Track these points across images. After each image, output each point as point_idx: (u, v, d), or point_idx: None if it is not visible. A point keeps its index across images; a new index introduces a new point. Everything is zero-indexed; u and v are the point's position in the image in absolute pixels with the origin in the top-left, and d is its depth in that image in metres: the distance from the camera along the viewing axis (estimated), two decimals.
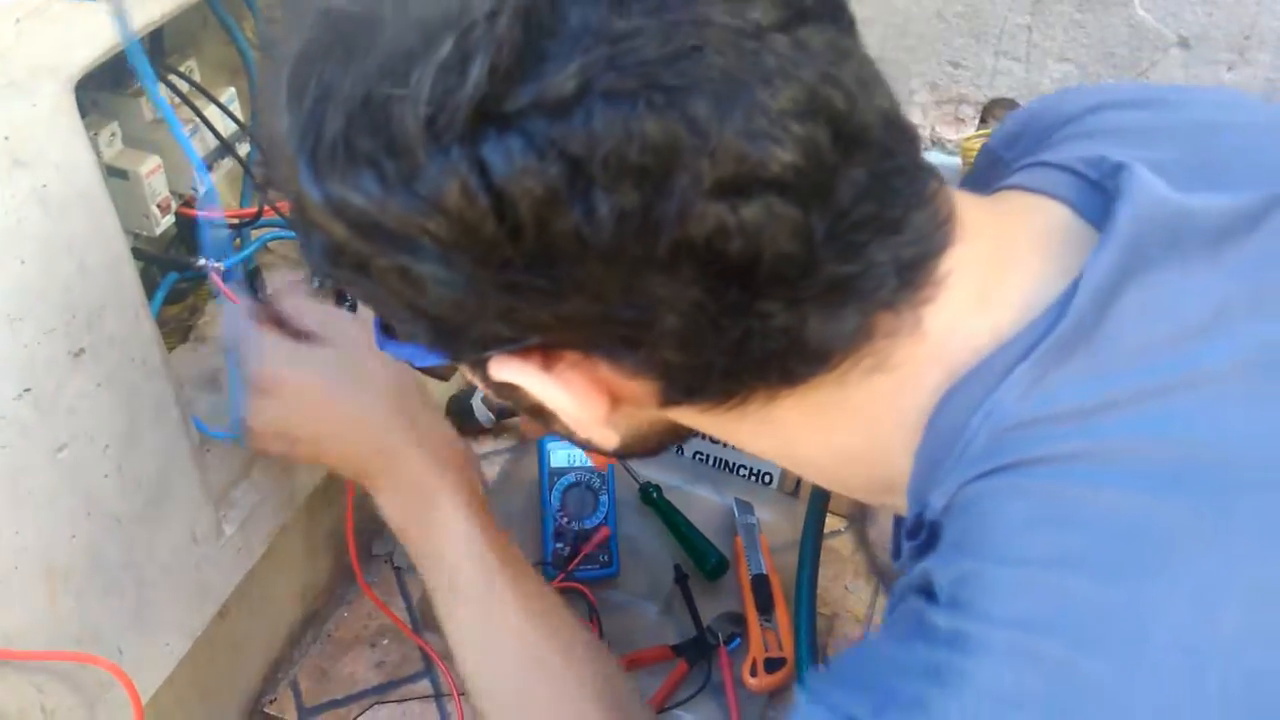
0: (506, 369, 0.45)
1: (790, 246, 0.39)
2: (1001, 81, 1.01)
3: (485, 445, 1.15)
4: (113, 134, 0.70)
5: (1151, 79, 0.97)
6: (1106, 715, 0.37)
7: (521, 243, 0.38)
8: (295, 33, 0.41)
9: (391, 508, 0.72)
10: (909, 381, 0.45)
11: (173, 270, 0.78)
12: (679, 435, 0.54)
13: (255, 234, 0.86)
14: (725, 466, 1.13)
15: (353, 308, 0.79)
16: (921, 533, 0.44)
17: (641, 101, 0.36)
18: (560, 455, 1.03)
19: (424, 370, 0.64)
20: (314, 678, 0.95)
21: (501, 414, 1.13)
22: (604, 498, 1.01)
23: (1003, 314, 0.44)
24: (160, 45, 0.74)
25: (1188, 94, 0.54)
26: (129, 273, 0.62)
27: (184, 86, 0.74)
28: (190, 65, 0.77)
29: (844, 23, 0.41)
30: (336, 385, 0.69)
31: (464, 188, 0.37)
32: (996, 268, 0.45)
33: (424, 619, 0.99)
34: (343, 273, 0.43)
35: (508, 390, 0.49)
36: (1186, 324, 0.42)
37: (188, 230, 0.81)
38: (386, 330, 0.51)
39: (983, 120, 1.04)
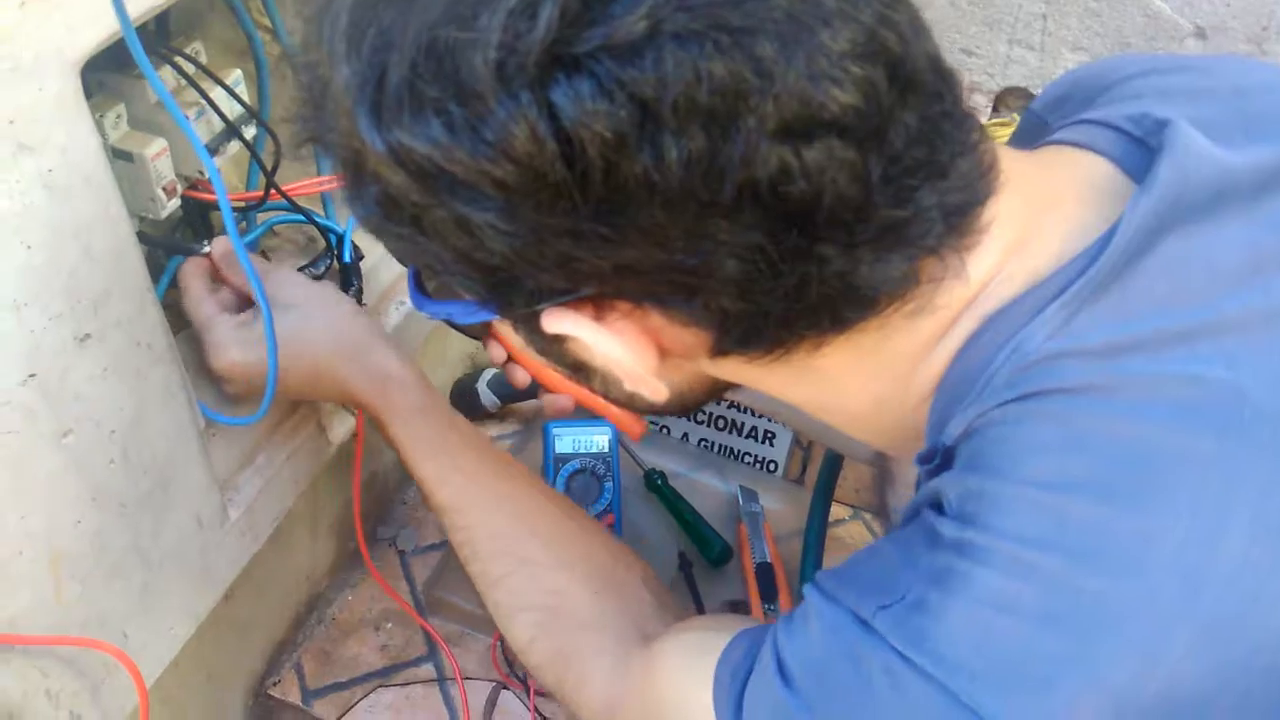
0: (560, 321, 0.45)
1: (849, 189, 0.39)
2: (1015, 70, 1.00)
3: (490, 430, 1.15)
4: (118, 116, 0.70)
5: None
6: (1097, 625, 0.39)
7: (588, 188, 0.38)
8: None
9: (385, 435, 0.77)
10: (947, 324, 0.46)
11: (178, 254, 0.77)
12: (715, 393, 0.54)
13: (261, 218, 0.85)
14: (730, 454, 1.12)
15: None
16: (936, 458, 0.46)
17: (709, 43, 0.37)
18: (565, 441, 1.03)
19: (460, 328, 0.65)
20: (318, 660, 0.95)
21: (506, 398, 1.13)
22: (608, 484, 1.01)
23: (1040, 259, 0.45)
24: (165, 27, 0.74)
25: (1223, 61, 0.55)
26: (135, 257, 0.61)
27: (190, 69, 0.73)
28: (196, 47, 0.76)
29: None
30: (283, 354, 0.70)
31: (533, 132, 0.37)
32: (1037, 215, 0.46)
33: (428, 602, 0.99)
34: (396, 227, 0.43)
35: (553, 347, 0.50)
36: (1219, 273, 0.43)
37: (193, 213, 0.80)
38: (421, 289, 0.52)
39: (995, 109, 1.03)
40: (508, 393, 1.12)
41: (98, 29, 0.54)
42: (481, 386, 1.12)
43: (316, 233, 0.87)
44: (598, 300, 0.44)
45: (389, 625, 0.98)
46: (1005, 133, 0.99)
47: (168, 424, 0.67)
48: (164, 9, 0.60)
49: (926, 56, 0.41)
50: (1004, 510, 0.41)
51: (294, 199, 0.81)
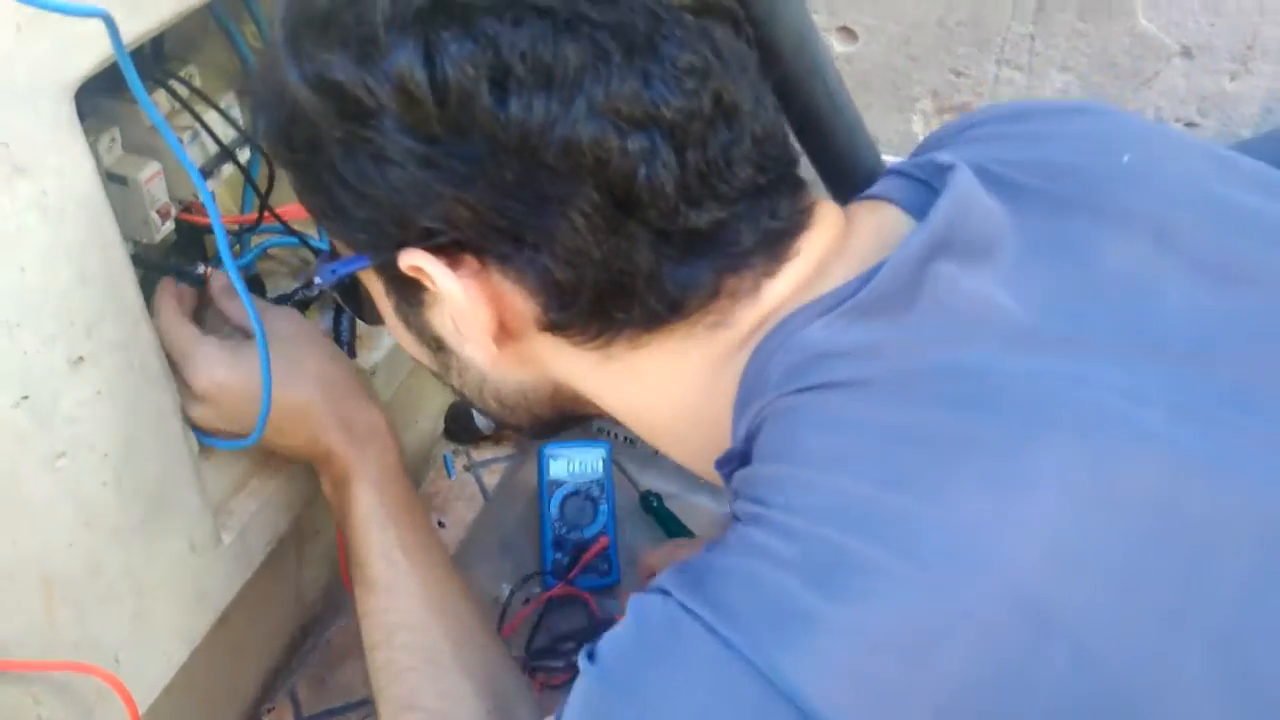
0: (414, 256, 0.50)
1: (661, 178, 0.46)
2: (1004, 90, 1.00)
3: (485, 453, 1.15)
4: (112, 139, 0.70)
5: (1154, 89, 0.97)
6: (860, 583, 0.40)
7: (446, 119, 0.45)
8: None
9: (329, 494, 0.76)
10: (742, 338, 0.51)
11: (172, 277, 0.77)
12: (559, 408, 0.58)
13: (256, 240, 0.85)
14: None
15: (303, 305, 0.83)
16: (733, 461, 0.50)
17: (568, 26, 0.44)
18: (560, 464, 1.03)
19: (359, 314, 0.66)
20: (312, 686, 0.95)
21: (500, 423, 1.13)
22: (603, 506, 1.01)
23: (822, 289, 0.50)
24: (160, 50, 0.74)
25: (1069, 116, 0.58)
26: (129, 280, 0.61)
27: (184, 92, 0.74)
28: (190, 71, 0.76)
29: (741, 31, 0.50)
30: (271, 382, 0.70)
31: (409, 59, 0.45)
32: (830, 256, 0.52)
33: None
34: (297, 154, 0.51)
35: (415, 316, 0.56)
36: (974, 301, 0.48)
37: (187, 236, 0.81)
38: (331, 254, 0.58)
39: None
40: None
41: (92, 53, 0.55)
42: (476, 409, 1.12)
43: (310, 255, 0.87)
44: (450, 251, 0.50)
45: None
46: None
47: (161, 447, 0.66)
48: (158, 33, 0.60)
49: (757, 106, 0.49)
50: (781, 487, 0.45)
51: (288, 222, 0.82)
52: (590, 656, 0.46)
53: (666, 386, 0.53)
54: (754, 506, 0.45)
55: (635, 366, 0.53)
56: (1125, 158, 0.53)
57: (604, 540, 1.00)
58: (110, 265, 0.59)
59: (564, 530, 1.01)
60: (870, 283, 0.48)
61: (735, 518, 0.47)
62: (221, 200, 0.84)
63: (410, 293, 0.55)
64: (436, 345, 0.58)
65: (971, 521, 0.41)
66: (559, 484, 1.02)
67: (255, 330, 0.66)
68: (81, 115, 0.56)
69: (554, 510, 1.01)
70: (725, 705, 0.41)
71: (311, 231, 0.89)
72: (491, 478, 1.14)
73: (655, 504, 1.05)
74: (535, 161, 0.45)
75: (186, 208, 0.75)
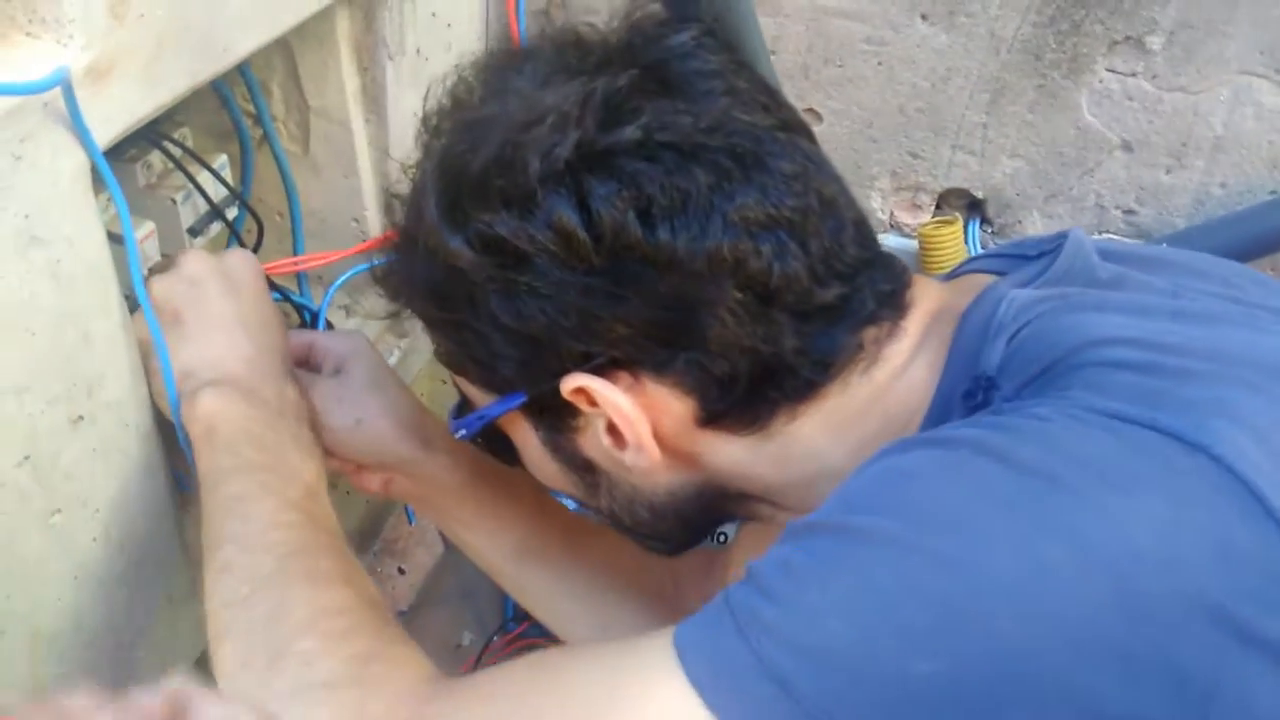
0: (578, 379, 0.54)
1: (793, 269, 0.52)
2: (957, 173, 1.06)
3: None
4: (108, 200, 0.72)
5: (1096, 178, 1.03)
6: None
7: (600, 252, 0.51)
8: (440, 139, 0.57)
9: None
10: (905, 358, 0.56)
11: None
12: (708, 508, 0.61)
13: None
14: None
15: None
16: (979, 393, 0.52)
17: (690, 154, 0.51)
18: None
19: (497, 454, 0.67)
20: None
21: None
22: None
23: (960, 306, 0.56)
24: None
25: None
26: (128, 338, 0.63)
27: (177, 152, 0.76)
28: (184, 132, 0.79)
29: (814, 140, 0.57)
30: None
31: (569, 214, 0.51)
32: (942, 297, 0.59)
33: None
34: (452, 313, 0.56)
35: (566, 444, 0.59)
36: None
37: None
38: (460, 411, 0.62)
39: (938, 207, 1.09)
40: None
41: (111, 127, 0.57)
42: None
43: (292, 309, 0.89)
44: (605, 370, 0.54)
45: None
46: (948, 230, 1.06)
47: (148, 500, 0.68)
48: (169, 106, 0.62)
49: (842, 192, 0.56)
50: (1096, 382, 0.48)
51: (272, 277, 0.84)
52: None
53: (834, 442, 0.56)
54: (1059, 401, 0.47)
55: (796, 436, 0.56)
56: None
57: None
58: (111, 326, 0.61)
59: None
60: (1048, 271, 0.56)
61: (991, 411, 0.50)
62: None
63: (561, 421, 0.58)
64: (586, 468, 0.61)
65: None
66: None
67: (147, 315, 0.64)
68: None
69: None
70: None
71: (291, 286, 0.91)
72: None
73: None
74: (683, 273, 0.51)
75: None
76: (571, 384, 0.54)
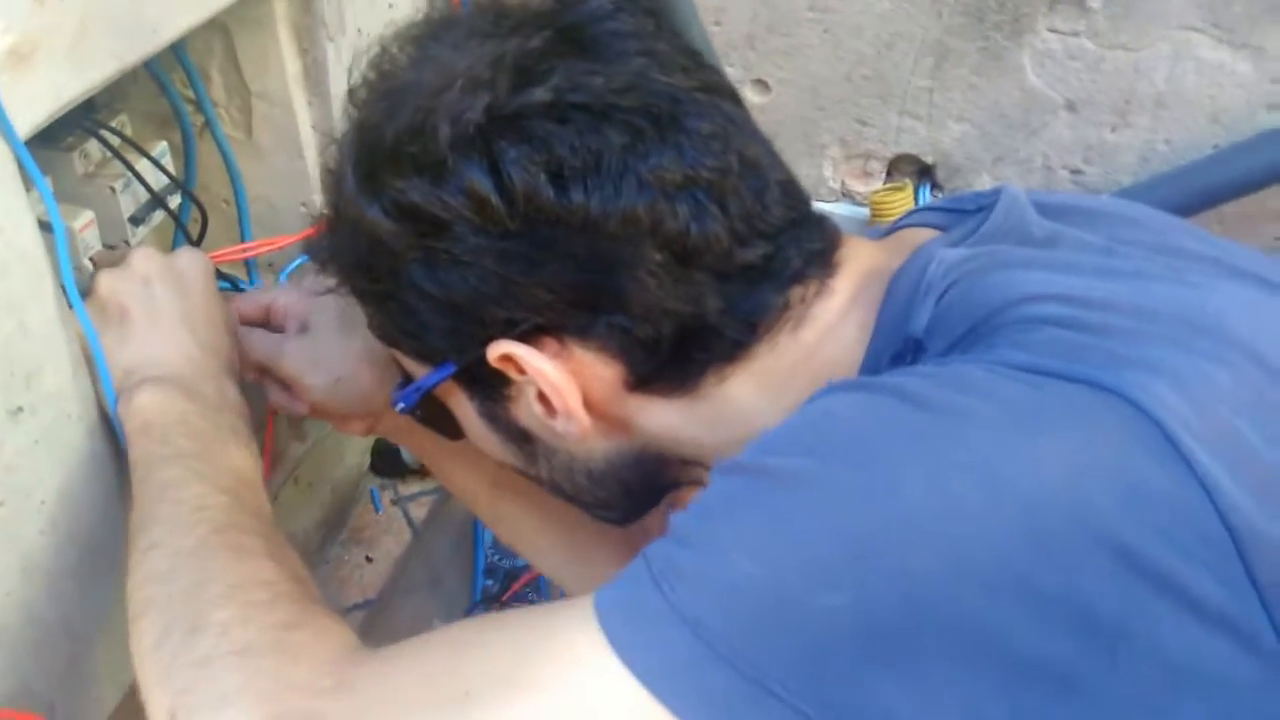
0: (504, 346, 0.54)
1: (712, 229, 0.52)
2: (906, 139, 1.07)
3: (412, 486, 1.16)
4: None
5: (1042, 139, 1.04)
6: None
7: (515, 216, 0.51)
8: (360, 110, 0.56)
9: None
10: (834, 319, 0.56)
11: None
12: (646, 473, 0.60)
13: None
14: None
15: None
16: (907, 355, 0.53)
17: (602, 114, 0.51)
18: None
19: (436, 427, 0.66)
20: None
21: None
22: None
23: (896, 261, 0.55)
24: (91, 100, 0.75)
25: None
26: (67, 330, 0.62)
27: (115, 141, 0.75)
28: (122, 120, 0.78)
29: (740, 102, 0.56)
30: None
31: (478, 170, 0.50)
32: (876, 254, 0.58)
33: None
34: (379, 284, 0.56)
35: (499, 413, 0.59)
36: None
37: None
38: (403, 384, 0.62)
39: (888, 174, 1.10)
40: None
41: (35, 113, 0.56)
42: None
43: None
44: (531, 336, 0.54)
45: None
46: (898, 196, 1.06)
47: (96, 493, 0.67)
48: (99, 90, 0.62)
49: (768, 155, 0.55)
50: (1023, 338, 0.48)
51: (220, 267, 0.83)
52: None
53: (766, 403, 0.56)
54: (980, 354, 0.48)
55: (726, 397, 0.56)
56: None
57: (536, 570, 1.02)
58: (48, 316, 0.60)
59: (496, 558, 1.03)
60: (979, 230, 0.56)
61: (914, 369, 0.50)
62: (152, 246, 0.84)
63: (493, 389, 0.58)
64: (522, 438, 0.61)
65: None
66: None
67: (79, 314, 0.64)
68: None
69: (488, 537, 1.03)
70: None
71: (240, 274, 0.90)
72: (419, 511, 1.15)
73: None
74: (599, 235, 0.51)
75: None
76: (497, 351, 0.54)
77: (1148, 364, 0.45)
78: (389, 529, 1.14)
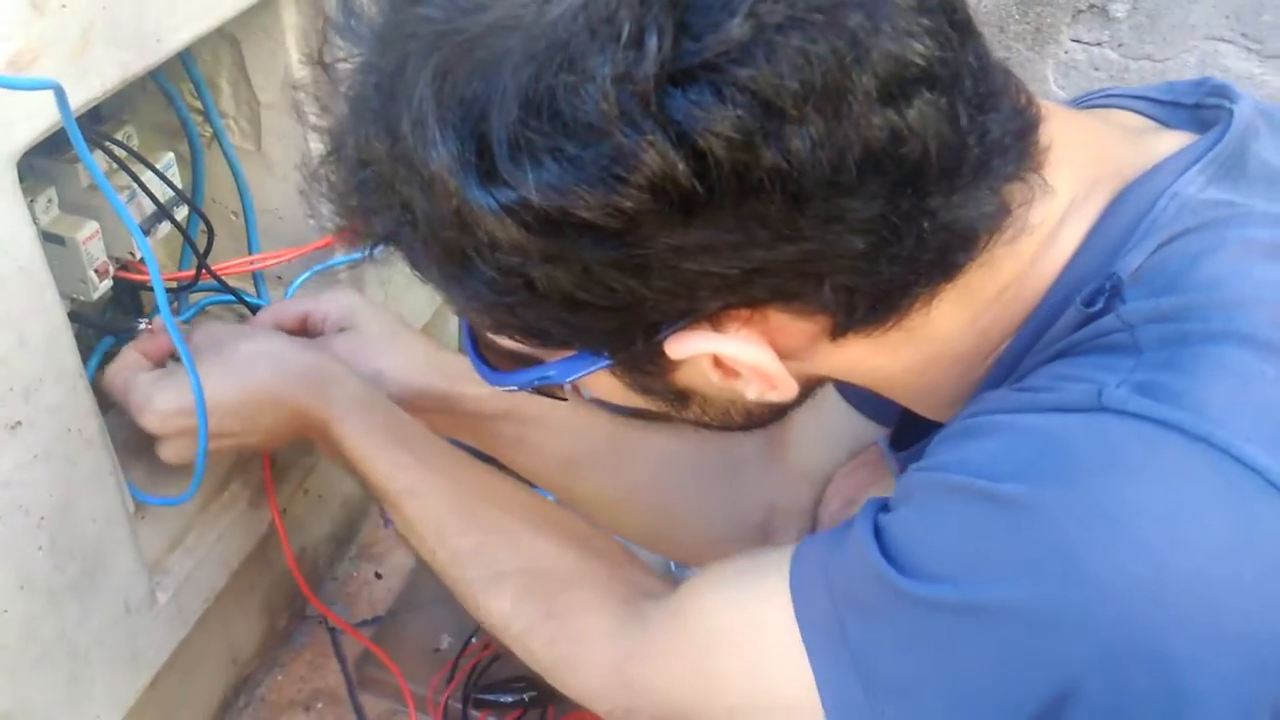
0: (687, 344, 0.46)
1: (949, 137, 0.42)
2: None
3: None
4: (49, 200, 0.70)
5: None
6: None
7: (722, 197, 0.40)
8: (396, 71, 0.42)
9: (329, 455, 0.73)
10: (1051, 230, 0.48)
11: (109, 334, 0.77)
12: (810, 392, 0.55)
13: (194, 298, 0.85)
14: None
15: None
16: (1099, 299, 0.46)
17: (808, 25, 0.39)
18: None
19: (543, 391, 0.58)
20: None
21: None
22: None
23: (1126, 166, 0.48)
24: (97, 111, 0.74)
25: None
26: (68, 343, 0.61)
27: (121, 153, 0.74)
28: (129, 131, 0.77)
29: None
30: (219, 389, 0.69)
31: (662, 153, 0.38)
32: (1088, 138, 0.50)
33: (360, 681, 0.98)
34: (506, 299, 0.44)
35: (657, 381, 0.50)
36: None
37: (124, 293, 0.80)
38: (488, 363, 0.54)
39: None
40: None
41: (34, 124, 0.55)
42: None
43: (248, 312, 0.87)
44: (715, 316, 0.45)
45: (319, 705, 0.97)
46: None
47: (97, 508, 0.66)
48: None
49: (965, 3, 0.45)
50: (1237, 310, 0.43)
51: (225, 279, 0.82)
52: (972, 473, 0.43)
53: (959, 324, 0.49)
54: (1194, 324, 0.43)
55: (931, 322, 0.48)
56: None
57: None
58: (49, 330, 0.59)
59: None
60: (1216, 148, 0.48)
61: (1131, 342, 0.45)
62: (157, 258, 0.84)
63: (653, 366, 0.49)
64: (679, 396, 0.52)
65: None
66: None
67: (183, 357, 0.66)
68: (19, 176, 0.56)
69: None
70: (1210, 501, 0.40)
71: (247, 288, 0.89)
72: None
73: None
74: (828, 189, 0.40)
75: (124, 266, 0.75)
76: (682, 352, 0.46)
77: None
78: (398, 544, 1.13)
